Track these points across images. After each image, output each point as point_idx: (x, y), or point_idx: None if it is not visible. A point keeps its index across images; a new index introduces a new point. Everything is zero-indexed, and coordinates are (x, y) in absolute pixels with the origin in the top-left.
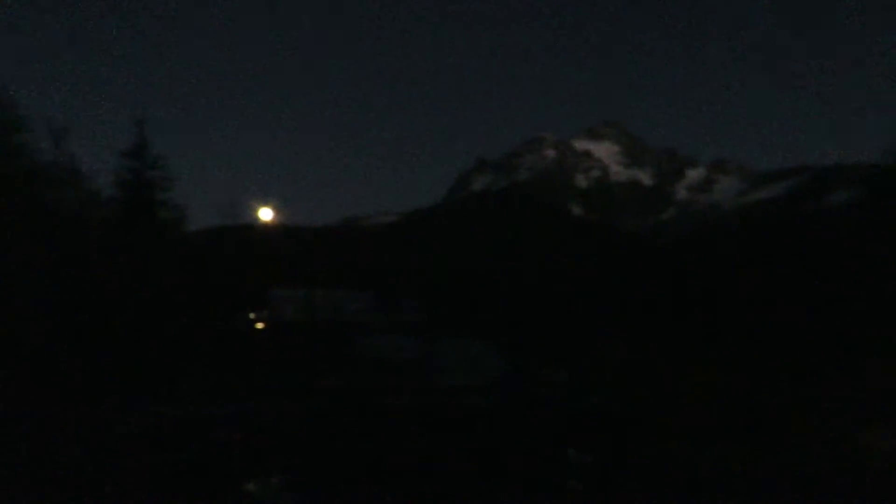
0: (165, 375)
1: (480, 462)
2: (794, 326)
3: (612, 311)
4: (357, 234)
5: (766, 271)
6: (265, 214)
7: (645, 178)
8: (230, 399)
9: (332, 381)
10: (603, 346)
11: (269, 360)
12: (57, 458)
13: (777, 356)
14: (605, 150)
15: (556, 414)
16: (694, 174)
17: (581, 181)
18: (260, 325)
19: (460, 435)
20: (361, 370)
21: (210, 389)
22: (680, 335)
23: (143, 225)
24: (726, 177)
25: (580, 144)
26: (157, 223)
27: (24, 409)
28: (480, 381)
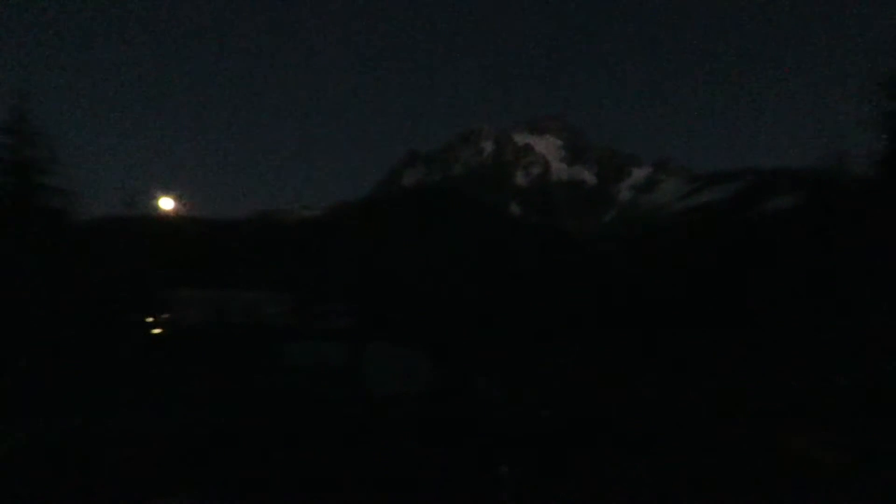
0: (50, 387)
1: (405, 477)
2: (734, 332)
3: (550, 318)
4: (275, 230)
5: (710, 276)
6: (166, 204)
7: (588, 176)
8: (125, 413)
9: (246, 392)
10: (539, 356)
11: (172, 369)
12: None
13: (713, 363)
14: (546, 145)
15: (488, 429)
16: (638, 174)
17: (521, 178)
18: (161, 331)
19: (386, 449)
20: (280, 380)
21: (102, 402)
22: (619, 344)
23: (18, 212)
24: (670, 178)
25: (520, 138)
26: (37, 210)
27: None
28: (411, 392)
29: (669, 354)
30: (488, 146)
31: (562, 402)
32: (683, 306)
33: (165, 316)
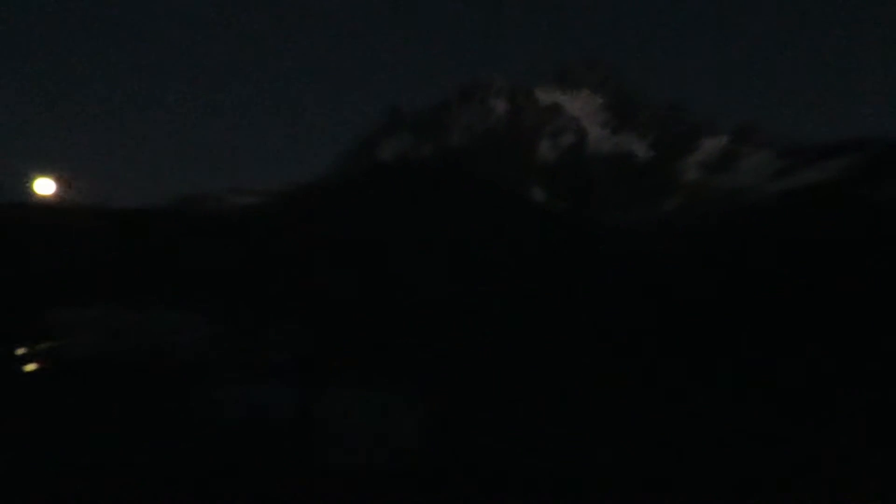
0: None
1: None
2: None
3: (587, 348)
4: (198, 222)
5: (832, 283)
6: (44, 188)
7: (639, 148)
8: None
9: (151, 457)
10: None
11: (49, 423)
12: None
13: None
14: (580, 105)
15: None
16: (710, 145)
17: (545, 150)
18: (32, 367)
19: None
20: (201, 440)
21: None
22: (686, 379)
23: None
24: (756, 151)
25: (545, 94)
26: None
27: None
28: (393, 460)
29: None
30: (499, 105)
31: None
32: (793, 324)
33: (42, 346)
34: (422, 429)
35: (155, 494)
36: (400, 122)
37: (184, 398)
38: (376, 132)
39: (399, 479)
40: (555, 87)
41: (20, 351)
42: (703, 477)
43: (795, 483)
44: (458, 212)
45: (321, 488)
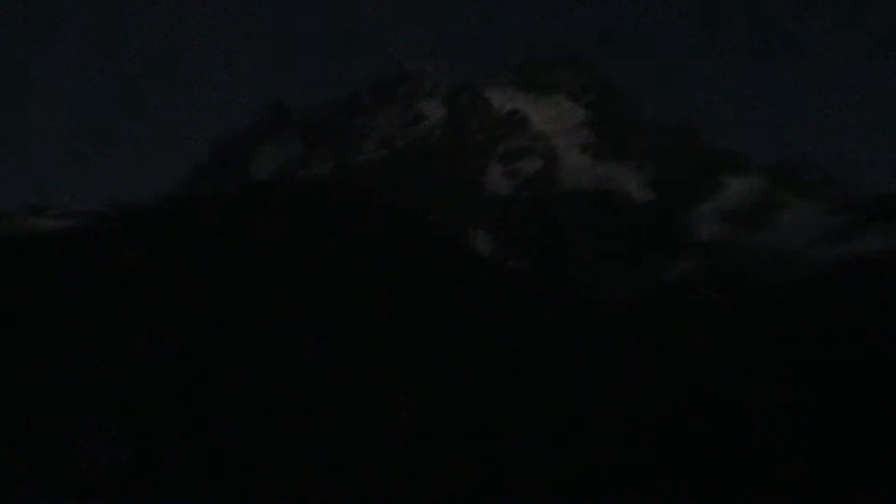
0: None
1: None
2: None
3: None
4: None
5: None
6: None
7: (635, 185)
8: None
9: None
10: None
11: None
12: None
13: None
14: (554, 116)
15: None
16: (737, 186)
17: (497, 183)
18: None
19: None
20: None
21: None
22: None
23: None
24: (799, 198)
25: (500, 96)
26: None
27: None
28: None
29: None
30: (432, 109)
31: None
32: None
33: None
34: None
35: None
36: (281, 121)
37: None
38: (231, 140)
39: None
40: (515, 86)
41: None
42: None
43: None
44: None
45: None
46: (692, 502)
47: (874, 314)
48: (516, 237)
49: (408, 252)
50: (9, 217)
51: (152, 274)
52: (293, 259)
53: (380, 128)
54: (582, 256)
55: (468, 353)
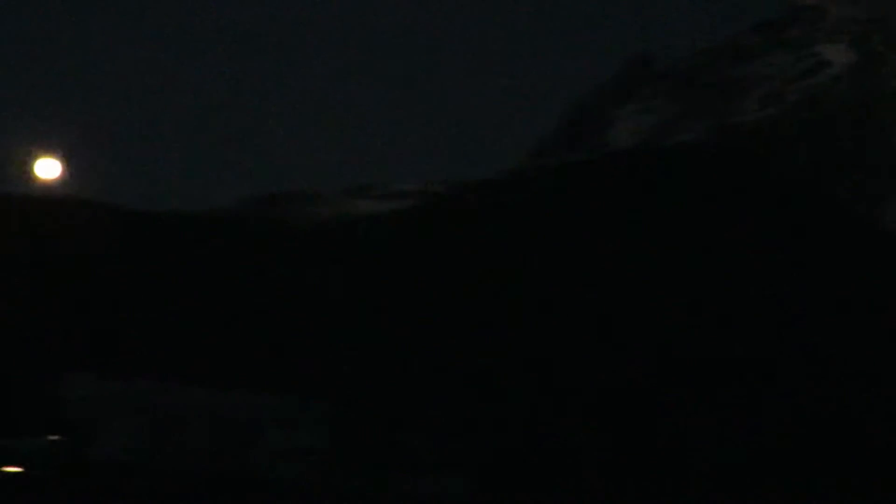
0: None
1: None
2: None
3: None
4: (295, 238)
5: None
6: (46, 169)
7: None
8: None
9: None
10: None
11: None
12: None
13: None
14: None
15: None
16: None
17: None
18: (15, 470)
19: None
20: None
21: None
22: None
23: None
24: None
25: None
26: None
27: None
28: None
29: None
30: (835, 53)
31: None
32: None
33: (44, 441)
34: None
35: None
36: (646, 74)
37: None
38: (603, 94)
39: None
40: None
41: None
42: None
43: None
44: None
45: None
46: None
47: None
48: None
49: (808, 232)
50: (331, 199)
51: (499, 255)
52: (658, 234)
53: (767, 79)
54: None
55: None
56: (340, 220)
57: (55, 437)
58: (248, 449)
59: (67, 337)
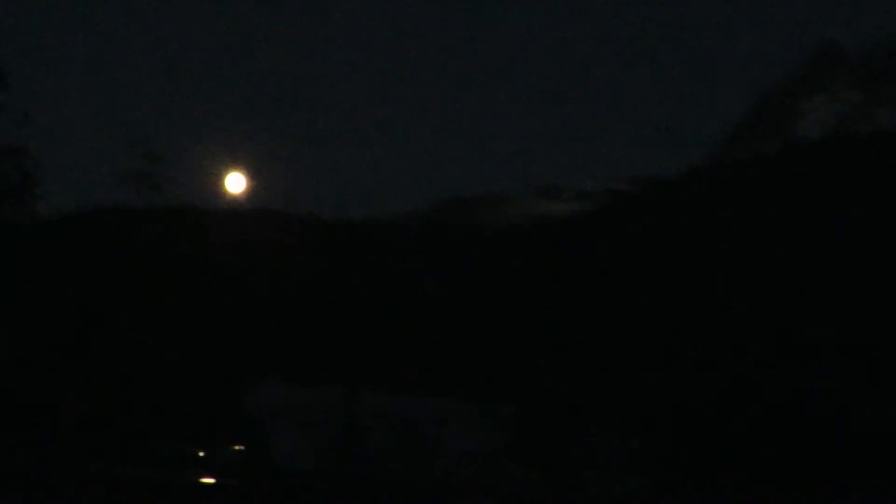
0: None
1: None
2: None
3: None
4: (483, 241)
5: None
6: (235, 183)
7: None
8: None
9: None
10: None
11: None
12: None
13: None
14: None
15: None
16: None
17: None
18: (210, 480)
19: None
20: None
21: None
22: None
23: None
24: None
25: None
26: None
27: None
28: None
29: None
30: None
31: None
32: None
33: (233, 449)
34: None
35: None
36: (836, 65)
37: None
38: (794, 86)
39: None
40: None
41: (201, 454)
42: None
43: None
44: None
45: None
46: None
47: None
48: None
49: None
50: (517, 201)
51: (690, 253)
52: (856, 225)
53: None
54: None
55: None
56: (532, 223)
57: (241, 447)
58: (432, 452)
59: (259, 347)
